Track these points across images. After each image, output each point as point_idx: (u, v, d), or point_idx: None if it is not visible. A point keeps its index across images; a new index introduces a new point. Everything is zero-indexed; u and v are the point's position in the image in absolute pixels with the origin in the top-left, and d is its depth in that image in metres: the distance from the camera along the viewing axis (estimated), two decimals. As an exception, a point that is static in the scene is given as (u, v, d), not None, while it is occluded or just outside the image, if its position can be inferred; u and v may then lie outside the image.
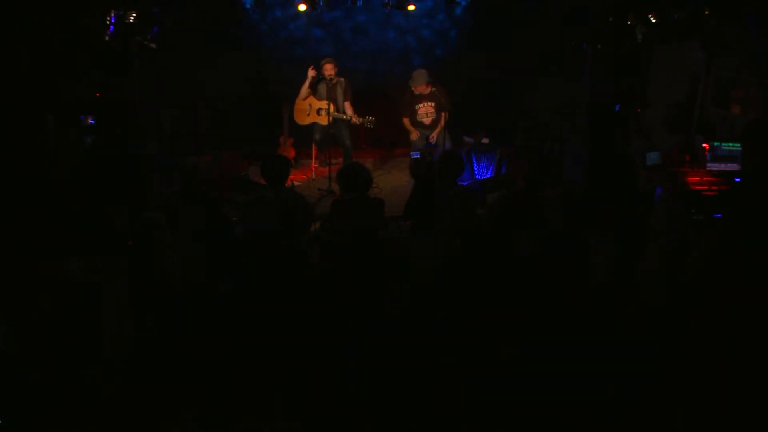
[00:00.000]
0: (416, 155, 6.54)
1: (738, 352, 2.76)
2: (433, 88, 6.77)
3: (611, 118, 6.26)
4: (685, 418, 2.92)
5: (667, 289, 3.94)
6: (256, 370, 3.46)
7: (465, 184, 6.23)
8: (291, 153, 7.58)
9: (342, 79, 6.91)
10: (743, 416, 2.73)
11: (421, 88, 6.80)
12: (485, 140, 7.11)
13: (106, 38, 5.85)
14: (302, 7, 7.20)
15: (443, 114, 6.82)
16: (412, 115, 6.99)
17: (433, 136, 6.98)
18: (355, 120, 6.82)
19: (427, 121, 6.98)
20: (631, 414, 3.14)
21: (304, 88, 6.92)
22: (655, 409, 3.13)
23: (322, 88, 6.88)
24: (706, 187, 5.10)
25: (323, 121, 6.88)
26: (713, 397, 2.82)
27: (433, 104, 6.91)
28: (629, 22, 6.03)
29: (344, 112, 6.89)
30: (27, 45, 5.32)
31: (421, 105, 6.93)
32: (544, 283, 3.83)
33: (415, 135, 7.00)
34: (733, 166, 5.26)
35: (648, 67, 6.25)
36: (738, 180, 3.82)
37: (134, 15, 5.96)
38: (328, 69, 6.81)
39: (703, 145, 5.46)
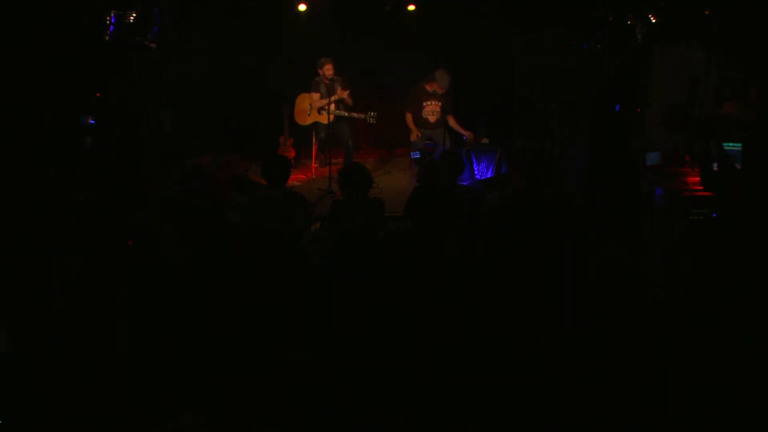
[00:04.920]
0: (416, 155, 6.55)
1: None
2: (445, 91, 6.84)
3: (611, 118, 6.25)
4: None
5: (666, 289, 3.94)
6: (255, 369, 3.46)
7: (465, 184, 6.24)
8: (291, 153, 7.57)
9: (339, 78, 6.99)
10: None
11: (436, 87, 6.84)
12: (485, 140, 7.11)
13: (106, 38, 5.85)
14: (302, 7, 7.20)
15: (449, 117, 6.94)
16: (418, 110, 7.00)
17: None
18: (358, 114, 6.86)
19: (432, 119, 7.00)
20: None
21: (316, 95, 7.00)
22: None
23: (323, 87, 6.95)
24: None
25: (325, 120, 6.92)
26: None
27: (440, 104, 6.95)
28: (629, 22, 6.03)
29: (345, 105, 6.92)
30: (27, 45, 5.31)
31: (429, 102, 6.97)
32: (543, 282, 3.84)
33: (415, 135, 7.01)
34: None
35: (648, 67, 6.25)
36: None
37: (134, 15, 5.96)
38: (328, 69, 6.88)
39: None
